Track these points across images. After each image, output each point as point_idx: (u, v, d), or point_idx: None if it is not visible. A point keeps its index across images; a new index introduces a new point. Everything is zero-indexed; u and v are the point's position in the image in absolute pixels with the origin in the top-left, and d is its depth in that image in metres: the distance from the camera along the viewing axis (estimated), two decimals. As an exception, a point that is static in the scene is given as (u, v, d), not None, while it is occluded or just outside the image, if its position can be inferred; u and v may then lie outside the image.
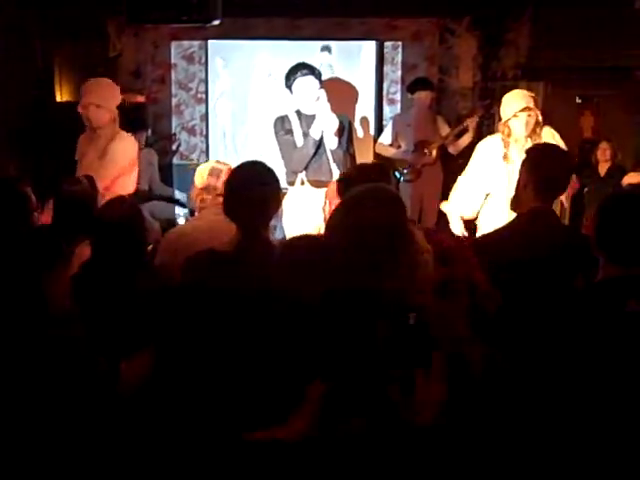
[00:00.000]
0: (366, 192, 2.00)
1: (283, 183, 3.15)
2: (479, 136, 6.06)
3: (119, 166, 4.07)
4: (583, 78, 6.38)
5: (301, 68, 4.36)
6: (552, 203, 2.87)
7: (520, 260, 2.46)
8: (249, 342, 2.07)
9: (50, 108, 6.01)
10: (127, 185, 4.10)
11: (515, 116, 3.96)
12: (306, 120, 4.32)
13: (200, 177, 3.26)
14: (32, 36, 5.87)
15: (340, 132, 4.28)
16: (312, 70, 4.36)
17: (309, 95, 4.31)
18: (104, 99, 4.09)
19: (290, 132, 4.32)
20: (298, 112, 4.37)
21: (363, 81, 6.74)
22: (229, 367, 2.02)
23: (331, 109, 4.26)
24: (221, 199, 3.06)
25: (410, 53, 7.03)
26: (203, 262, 2.33)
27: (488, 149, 4.10)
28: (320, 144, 4.27)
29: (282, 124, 4.36)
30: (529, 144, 3.76)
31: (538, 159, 2.84)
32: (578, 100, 6.66)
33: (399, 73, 7.06)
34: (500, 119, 4.15)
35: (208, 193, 3.21)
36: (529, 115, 3.96)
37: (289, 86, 4.40)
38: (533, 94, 4.18)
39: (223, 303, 2.12)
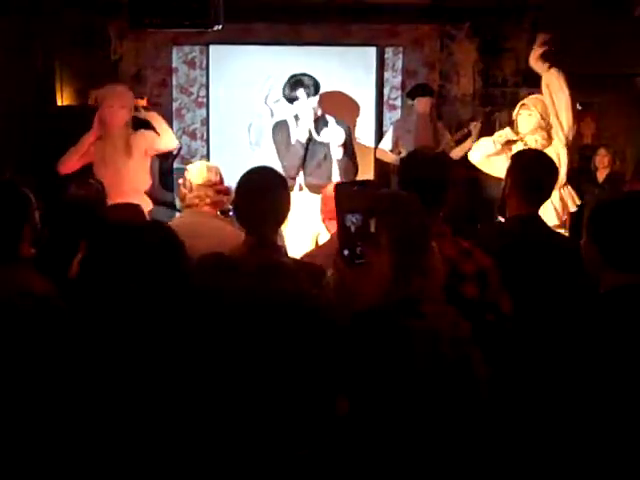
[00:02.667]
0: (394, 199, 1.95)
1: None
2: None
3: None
4: (583, 84, 6.39)
5: (301, 86, 4.33)
6: (539, 208, 2.85)
7: (510, 266, 2.44)
8: (269, 350, 2.07)
9: (51, 112, 6.02)
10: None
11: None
12: (305, 125, 4.33)
13: (199, 174, 3.22)
14: (33, 40, 5.88)
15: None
16: (312, 88, 4.34)
17: (310, 115, 4.30)
18: (127, 103, 4.49)
19: (288, 137, 4.33)
20: (297, 117, 4.38)
21: (363, 87, 6.75)
22: (244, 376, 2.02)
23: (331, 115, 4.27)
24: (219, 196, 3.09)
25: (411, 59, 7.04)
26: (213, 267, 2.30)
27: None
28: (319, 148, 4.27)
29: (281, 129, 4.37)
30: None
31: (523, 165, 2.82)
32: (578, 107, 6.67)
33: (400, 79, 7.07)
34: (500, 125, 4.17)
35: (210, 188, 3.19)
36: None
37: (288, 98, 4.39)
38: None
39: (240, 309, 2.12)
